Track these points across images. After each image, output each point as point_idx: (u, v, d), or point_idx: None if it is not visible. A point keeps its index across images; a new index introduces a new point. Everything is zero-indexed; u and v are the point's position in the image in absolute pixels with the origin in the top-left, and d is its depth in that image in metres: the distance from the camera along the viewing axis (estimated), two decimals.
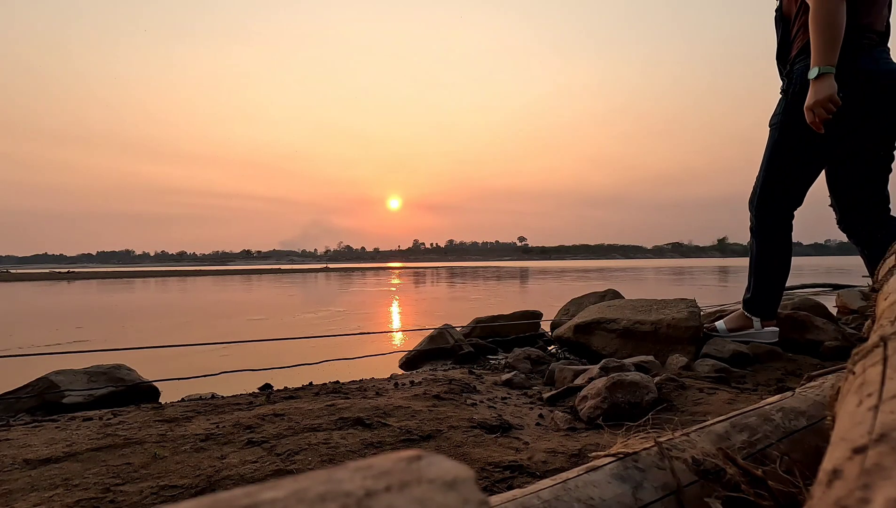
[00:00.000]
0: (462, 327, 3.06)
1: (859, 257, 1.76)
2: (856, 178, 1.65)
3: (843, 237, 1.81)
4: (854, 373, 0.47)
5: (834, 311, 3.13)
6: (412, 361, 2.61)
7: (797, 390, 0.81)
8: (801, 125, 1.59)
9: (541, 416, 1.38)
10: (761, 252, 1.89)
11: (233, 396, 1.72)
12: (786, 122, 1.67)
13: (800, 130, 1.61)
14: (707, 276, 12.34)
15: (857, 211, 1.67)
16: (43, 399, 1.75)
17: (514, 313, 3.21)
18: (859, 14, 1.50)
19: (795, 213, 1.85)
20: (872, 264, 1.60)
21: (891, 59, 1.55)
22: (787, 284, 2.39)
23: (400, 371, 2.40)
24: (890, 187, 1.65)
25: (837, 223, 1.76)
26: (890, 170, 1.61)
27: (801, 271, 16.04)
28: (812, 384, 0.83)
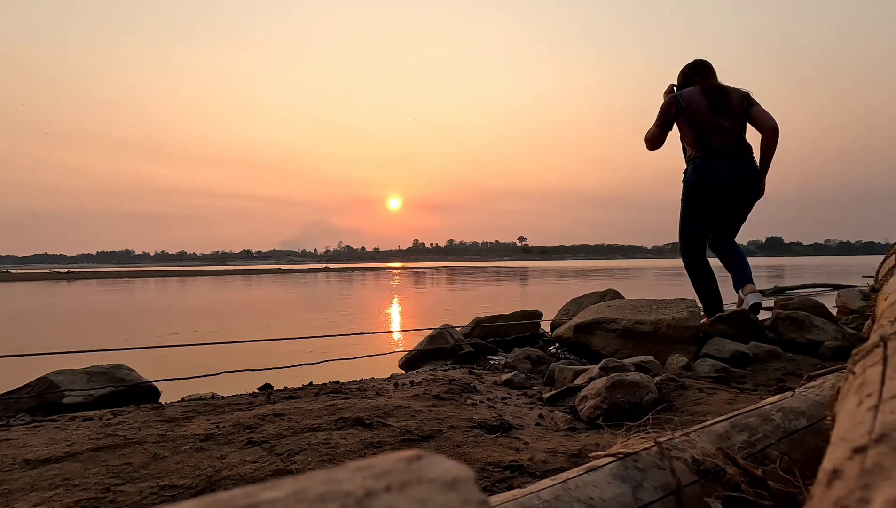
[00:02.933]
0: (462, 327, 3.06)
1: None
2: (722, 228, 2.67)
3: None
4: (854, 373, 0.47)
5: (834, 311, 3.13)
6: (412, 361, 2.61)
7: (797, 390, 0.81)
8: (693, 201, 2.57)
9: (541, 416, 1.38)
10: (694, 280, 2.64)
11: (233, 396, 1.72)
12: (685, 199, 2.62)
13: (693, 203, 2.59)
14: None
15: (721, 242, 2.69)
16: (43, 399, 1.76)
17: (514, 313, 3.21)
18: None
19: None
20: (731, 269, 2.63)
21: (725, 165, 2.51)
22: (787, 284, 2.45)
23: (400, 371, 2.40)
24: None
25: (710, 246, 2.73)
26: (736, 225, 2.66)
27: (802, 271, 16.02)
28: (812, 384, 0.83)
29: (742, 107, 2.52)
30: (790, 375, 1.74)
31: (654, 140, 2.68)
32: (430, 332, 2.73)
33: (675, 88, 2.71)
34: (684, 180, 2.61)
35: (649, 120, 2.71)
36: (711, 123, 2.48)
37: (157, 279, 18.87)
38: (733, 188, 2.48)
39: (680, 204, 2.66)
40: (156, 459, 1.08)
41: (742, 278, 2.56)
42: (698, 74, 2.66)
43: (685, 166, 2.64)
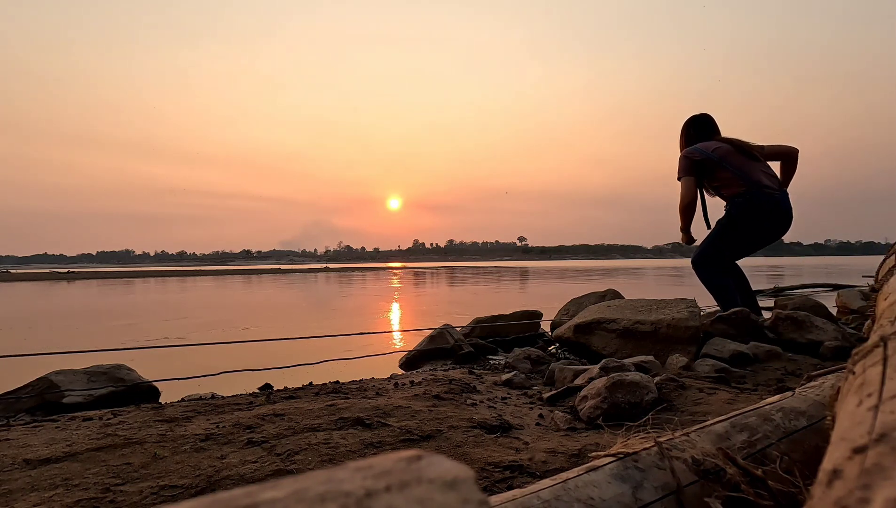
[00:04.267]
0: (462, 327, 3.06)
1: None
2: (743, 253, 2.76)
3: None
4: (854, 373, 0.47)
5: (834, 311, 3.13)
6: (412, 361, 2.61)
7: (797, 390, 0.81)
8: (735, 230, 2.66)
9: (541, 416, 1.38)
10: (715, 285, 2.70)
11: (233, 396, 1.72)
12: (728, 228, 2.69)
13: (734, 232, 2.67)
14: None
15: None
16: (43, 399, 1.76)
17: (514, 313, 3.21)
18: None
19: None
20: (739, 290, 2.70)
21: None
22: (787, 284, 2.49)
23: (400, 371, 2.40)
24: None
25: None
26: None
27: (801, 271, 16.01)
28: (812, 384, 0.83)
29: (762, 152, 2.70)
30: (790, 375, 1.74)
31: (690, 191, 2.69)
32: (430, 332, 2.73)
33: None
34: (730, 213, 2.65)
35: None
36: (745, 161, 2.62)
37: (157, 279, 18.87)
38: (779, 222, 2.61)
39: (720, 230, 2.70)
40: (156, 459, 1.08)
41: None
42: (703, 129, 2.81)
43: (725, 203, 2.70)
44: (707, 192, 2.84)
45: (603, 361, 1.65)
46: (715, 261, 2.72)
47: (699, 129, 2.82)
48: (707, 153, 2.66)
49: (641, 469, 0.57)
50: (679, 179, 2.73)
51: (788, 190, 2.71)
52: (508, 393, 1.67)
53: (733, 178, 2.61)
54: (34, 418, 1.53)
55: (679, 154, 2.82)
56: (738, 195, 2.62)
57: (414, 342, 2.86)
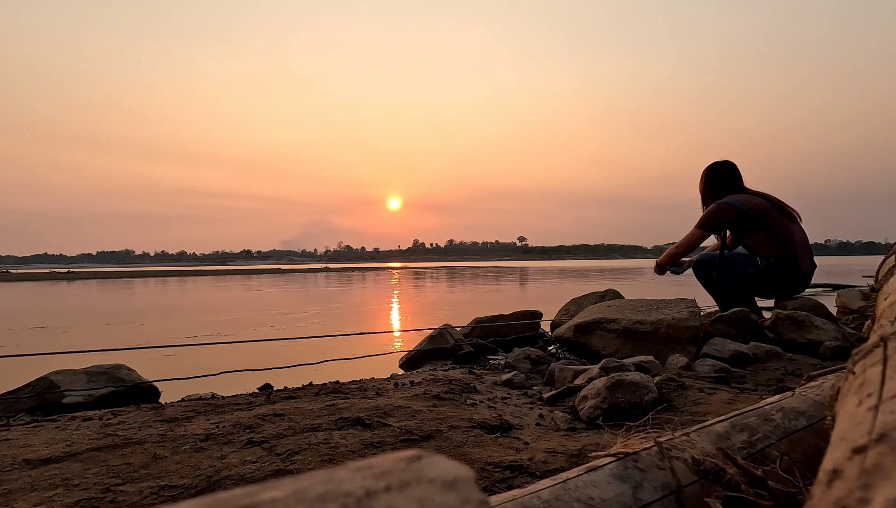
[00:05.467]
0: (462, 327, 3.06)
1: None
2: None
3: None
4: (854, 373, 0.47)
5: (834, 311, 3.13)
6: (412, 361, 2.61)
7: (797, 390, 0.81)
8: (758, 284, 2.65)
9: (541, 416, 1.38)
10: (712, 292, 2.80)
11: (233, 396, 1.72)
12: (755, 275, 2.64)
13: (754, 283, 2.64)
14: None
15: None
16: (43, 399, 1.76)
17: (514, 313, 3.21)
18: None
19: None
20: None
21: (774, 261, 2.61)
22: None
23: (400, 371, 2.40)
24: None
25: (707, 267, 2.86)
26: None
27: None
28: (812, 384, 0.83)
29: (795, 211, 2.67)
30: (790, 375, 1.74)
31: (693, 246, 2.71)
32: (430, 332, 2.73)
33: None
34: (761, 267, 2.60)
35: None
36: (784, 223, 2.55)
37: (157, 279, 18.86)
38: (800, 289, 2.63)
39: (751, 276, 2.65)
40: (156, 459, 1.08)
41: None
42: (729, 179, 2.70)
43: (755, 256, 2.65)
44: (728, 240, 2.75)
45: (603, 361, 1.65)
46: (718, 270, 2.68)
47: (725, 178, 2.71)
48: (744, 209, 2.55)
49: (641, 469, 0.57)
50: (697, 226, 2.65)
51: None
52: (508, 393, 1.67)
53: (771, 241, 2.55)
54: (34, 418, 1.53)
55: (699, 199, 2.78)
56: (774, 259, 2.55)
57: (414, 342, 2.86)
